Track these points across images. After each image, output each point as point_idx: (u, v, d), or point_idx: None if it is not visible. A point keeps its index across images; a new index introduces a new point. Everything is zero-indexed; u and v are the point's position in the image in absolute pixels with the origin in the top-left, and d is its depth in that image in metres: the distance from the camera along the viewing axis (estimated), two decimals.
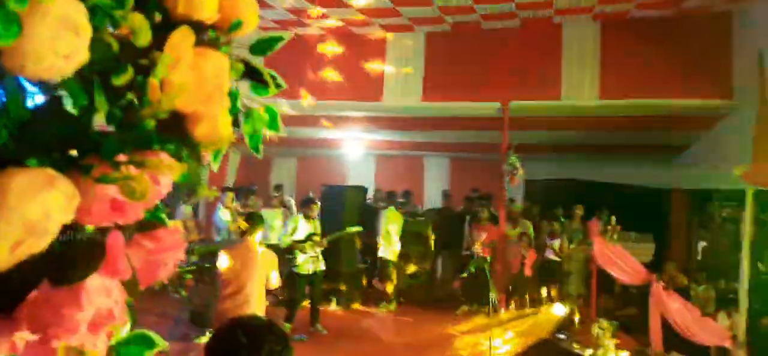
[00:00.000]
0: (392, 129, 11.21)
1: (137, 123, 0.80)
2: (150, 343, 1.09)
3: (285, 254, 8.26)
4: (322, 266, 8.22)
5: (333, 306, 9.74)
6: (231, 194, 8.81)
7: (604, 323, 7.51)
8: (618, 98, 8.08)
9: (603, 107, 8.35)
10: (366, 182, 12.69)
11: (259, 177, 13.99)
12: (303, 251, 8.01)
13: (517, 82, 8.54)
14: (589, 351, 7.26)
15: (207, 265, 7.84)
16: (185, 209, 10.04)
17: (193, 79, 0.87)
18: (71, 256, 0.75)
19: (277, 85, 1.10)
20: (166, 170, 0.83)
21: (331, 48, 9.33)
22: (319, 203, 8.61)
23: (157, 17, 0.88)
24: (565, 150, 12.01)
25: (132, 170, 0.78)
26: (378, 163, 14.13)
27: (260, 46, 1.09)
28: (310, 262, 8.08)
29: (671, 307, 8.79)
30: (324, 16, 8.46)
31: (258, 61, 1.10)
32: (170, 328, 7.58)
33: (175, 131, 0.89)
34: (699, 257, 14.91)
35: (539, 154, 11.76)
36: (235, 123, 1.08)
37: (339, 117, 10.50)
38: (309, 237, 8.07)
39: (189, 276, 8.18)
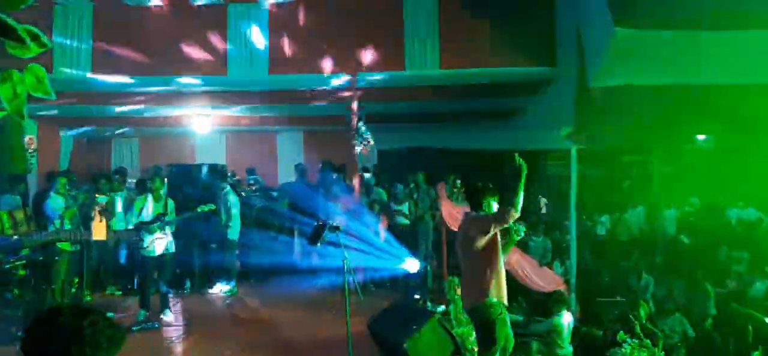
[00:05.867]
0: (241, 104, 10.92)
1: None
2: None
3: (131, 236, 7.83)
4: (171, 247, 7.84)
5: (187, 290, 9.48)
6: (63, 180, 8.08)
7: (455, 280, 7.92)
8: (457, 67, 8.51)
9: (444, 76, 8.75)
10: (217, 160, 12.31)
11: (96, 160, 13.06)
12: (149, 232, 7.60)
13: (362, 54, 8.68)
14: (442, 307, 7.65)
15: (40, 258, 7.21)
16: (13, 199, 9.11)
17: None
18: None
19: (41, 44, 0.99)
20: None
21: (171, 21, 8.84)
22: (165, 181, 8.20)
23: None
24: (414, 119, 12.50)
25: None
26: (229, 140, 13.74)
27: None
28: (157, 243, 7.68)
29: (512, 259, 9.53)
30: None
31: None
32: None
33: None
34: (543, 211, 16.30)
35: (389, 124, 12.11)
36: None
37: (183, 93, 10.01)
38: (157, 217, 7.66)
39: (22, 272, 7.45)
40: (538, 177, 15.97)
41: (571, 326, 8.23)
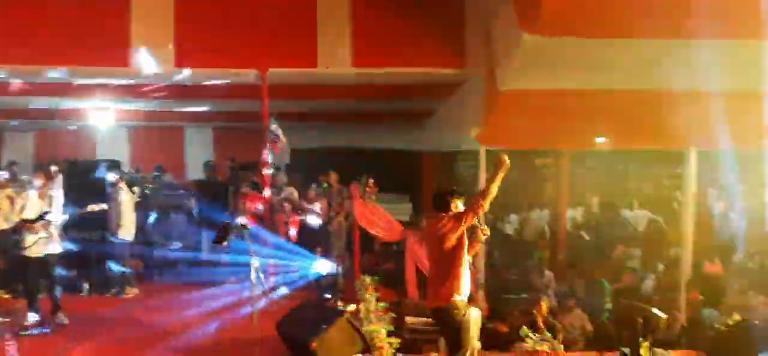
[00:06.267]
0: (145, 98, 10.44)
1: None
2: None
3: (11, 235, 7.28)
4: (57, 248, 7.35)
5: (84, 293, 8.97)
6: None
7: (366, 279, 7.93)
8: (369, 67, 8.49)
9: (356, 75, 8.71)
10: (119, 156, 11.73)
11: None
12: (32, 231, 7.07)
13: (273, 49, 8.48)
14: (352, 306, 7.62)
15: None
16: None
17: None
18: None
19: None
20: None
21: (70, 8, 8.30)
22: (55, 177, 7.66)
23: None
24: (328, 118, 12.40)
25: None
26: (132, 135, 13.13)
27: None
28: (41, 244, 7.16)
29: (423, 258, 9.68)
30: None
31: None
32: None
33: None
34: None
35: (303, 122, 11.97)
36: None
37: (82, 86, 9.45)
38: (41, 216, 7.13)
39: None
40: (451, 178, 16.31)
41: (479, 322, 8.44)
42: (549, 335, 7.12)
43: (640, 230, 13.43)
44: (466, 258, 5.12)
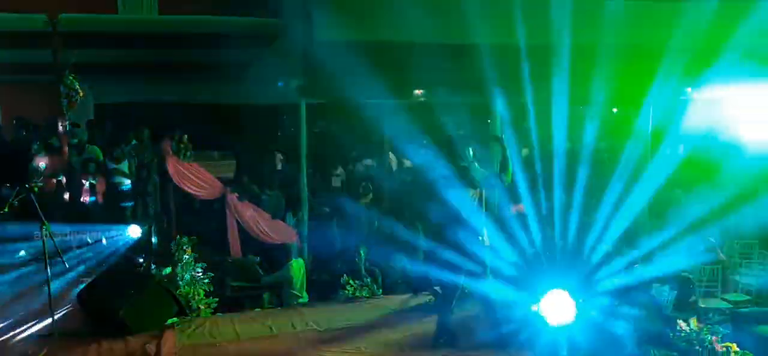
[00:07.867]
0: None
1: None
2: None
3: None
4: None
5: None
6: None
7: (184, 239, 7.59)
8: (176, 13, 7.94)
9: (162, 23, 8.11)
10: None
11: None
12: None
13: None
14: (168, 269, 7.27)
15: None
16: None
17: None
18: None
19: None
20: None
21: None
22: None
23: None
24: (135, 70, 11.46)
25: None
26: None
27: None
28: None
29: (245, 215, 9.51)
30: None
31: None
32: None
33: None
34: (278, 168, 16.40)
35: (109, 75, 10.96)
36: None
37: None
38: None
39: None
40: (275, 133, 16.02)
41: (304, 274, 8.51)
42: (368, 280, 7.39)
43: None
44: None
